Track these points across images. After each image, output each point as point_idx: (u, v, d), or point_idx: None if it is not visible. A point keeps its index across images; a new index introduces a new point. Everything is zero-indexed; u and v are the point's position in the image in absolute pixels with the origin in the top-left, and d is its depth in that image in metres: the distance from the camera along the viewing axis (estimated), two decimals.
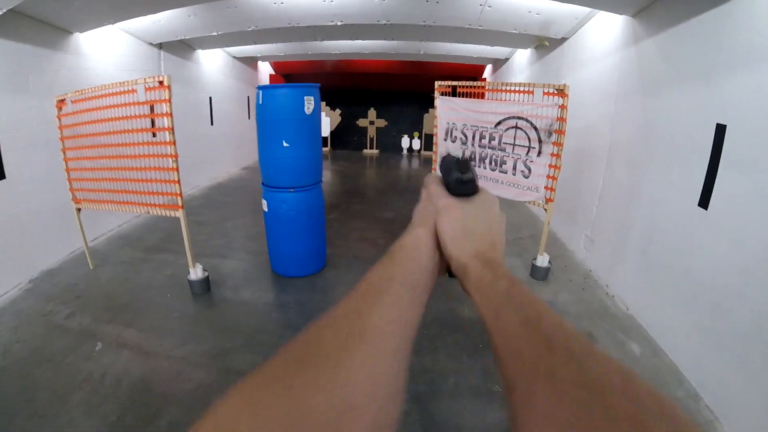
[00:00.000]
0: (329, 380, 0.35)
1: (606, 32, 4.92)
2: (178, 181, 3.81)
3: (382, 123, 13.84)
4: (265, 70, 12.42)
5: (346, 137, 14.29)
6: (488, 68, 11.30)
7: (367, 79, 12.79)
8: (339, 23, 6.11)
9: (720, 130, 2.98)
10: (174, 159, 3.73)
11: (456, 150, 4.97)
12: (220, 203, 7.53)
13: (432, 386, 2.98)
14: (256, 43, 8.53)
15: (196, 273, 4.07)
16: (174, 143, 3.69)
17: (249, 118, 11.18)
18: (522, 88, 4.42)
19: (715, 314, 2.93)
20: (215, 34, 6.63)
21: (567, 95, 4.04)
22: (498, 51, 8.83)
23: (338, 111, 13.65)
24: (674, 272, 3.45)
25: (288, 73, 13.00)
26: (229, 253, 5.16)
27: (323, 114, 13.47)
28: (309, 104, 4.07)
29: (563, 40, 6.20)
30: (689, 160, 3.30)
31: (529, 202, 4.62)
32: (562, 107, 4.07)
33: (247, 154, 11.18)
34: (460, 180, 0.62)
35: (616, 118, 4.63)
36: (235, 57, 10.17)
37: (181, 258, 4.53)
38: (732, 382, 2.71)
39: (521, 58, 8.45)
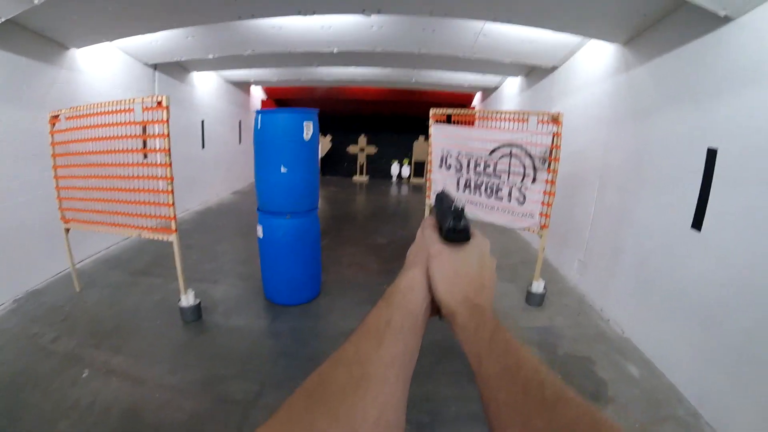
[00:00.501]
0: (337, 421, 0.39)
1: (597, 60, 5.03)
2: (173, 204, 3.74)
3: (372, 150, 13.89)
4: (257, 94, 12.48)
5: (336, 163, 14.31)
6: (477, 96, 11.44)
7: (358, 106, 12.86)
8: (335, 50, 6.17)
9: (711, 155, 3.06)
10: (169, 182, 3.67)
11: (450, 178, 4.99)
12: (210, 227, 7.45)
13: (434, 415, 2.93)
14: (250, 68, 8.59)
15: (187, 299, 3.95)
16: (170, 165, 3.63)
17: (240, 142, 11.18)
18: (516, 116, 4.47)
19: (709, 332, 2.99)
20: (211, 56, 6.65)
21: (561, 123, 4.09)
22: (489, 79, 8.97)
23: (329, 137, 13.69)
24: (668, 293, 3.50)
25: (280, 99, 13.06)
26: (219, 278, 5.06)
27: None
28: (308, 129, 4.04)
29: (554, 68, 6.31)
30: (681, 183, 3.37)
31: (523, 229, 4.59)
32: (557, 135, 4.11)
33: (238, 178, 11.14)
34: (454, 229, 0.63)
35: (608, 143, 4.70)
36: (228, 81, 10.20)
37: (170, 282, 4.44)
38: (729, 398, 2.75)
39: (511, 85, 8.58)
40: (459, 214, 0.64)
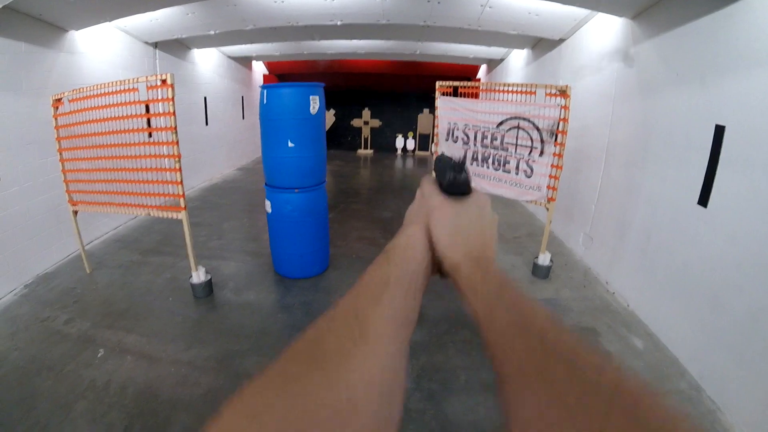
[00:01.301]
0: (332, 380, 0.36)
1: (605, 34, 4.95)
2: (181, 182, 3.74)
3: (376, 123, 13.80)
4: (259, 70, 12.36)
5: (340, 137, 14.24)
6: (483, 68, 11.29)
7: (361, 79, 12.75)
8: (339, 23, 6.09)
9: (719, 131, 3.05)
10: (177, 159, 3.67)
11: (458, 151, 4.97)
12: (216, 204, 7.46)
13: (445, 384, 2.99)
14: (252, 43, 8.50)
15: (198, 276, 4.00)
16: (177, 143, 3.63)
17: (243, 118, 11.12)
18: (524, 89, 4.44)
19: (713, 308, 3.03)
20: (213, 33, 6.57)
21: (569, 96, 4.05)
22: (494, 51, 8.85)
23: (332, 111, 13.60)
24: (673, 268, 3.53)
25: (282, 73, 12.94)
26: (228, 255, 5.11)
27: None
28: (314, 104, 4.02)
29: (561, 41, 6.22)
30: (688, 159, 3.38)
31: (530, 202, 4.60)
32: (564, 108, 4.09)
33: (242, 154, 11.13)
34: (454, 180, 0.62)
35: (614, 118, 4.68)
36: (229, 56, 10.09)
37: (180, 260, 4.49)
38: (731, 373, 2.79)
39: (517, 58, 8.47)
40: (459, 166, 0.63)
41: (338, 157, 12.95)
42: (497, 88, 4.86)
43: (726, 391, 2.82)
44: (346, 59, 11.14)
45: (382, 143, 14.13)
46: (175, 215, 3.87)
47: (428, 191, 0.65)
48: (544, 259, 4.56)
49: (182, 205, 3.81)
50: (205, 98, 8.90)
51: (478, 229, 0.60)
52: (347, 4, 5.57)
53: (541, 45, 6.97)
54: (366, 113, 13.78)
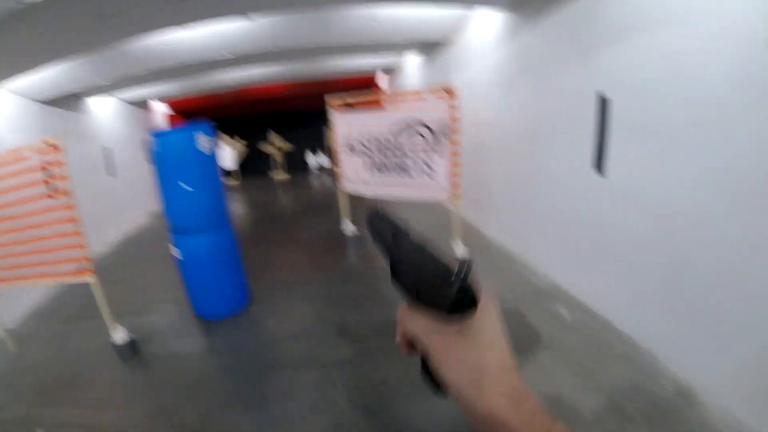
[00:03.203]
0: None
1: (488, 29, 5.18)
2: (83, 245, 3.60)
3: (287, 146, 13.80)
4: (161, 110, 12.05)
5: (255, 166, 14.15)
6: (383, 75, 11.52)
7: (266, 105, 12.69)
8: (229, 56, 6.10)
9: (603, 103, 3.26)
10: (75, 223, 3.53)
11: (360, 163, 5.08)
12: (133, 256, 7.20)
13: (385, 398, 2.99)
14: (148, 86, 8.32)
15: (121, 337, 3.87)
16: (73, 207, 3.49)
17: (149, 162, 10.76)
18: (413, 95, 4.63)
19: (629, 268, 3.23)
20: (105, 83, 6.49)
21: (455, 95, 4.27)
22: (390, 59, 9.12)
23: (242, 141, 13.47)
24: (582, 236, 3.77)
25: (186, 111, 12.66)
26: (150, 307, 4.91)
27: (228, 147, 13.26)
28: (203, 142, 3.97)
29: (449, 42, 6.51)
30: (580, 133, 3.58)
31: (437, 201, 4.82)
32: (452, 106, 4.29)
33: (153, 198, 10.77)
34: (462, 293, 0.48)
35: (506, 106, 4.94)
36: (128, 102, 9.82)
37: (105, 322, 4.33)
38: (662, 324, 2.97)
39: (413, 62, 8.75)
40: (464, 268, 0.48)
41: (255, 186, 12.87)
42: (388, 98, 5.02)
43: (660, 342, 3.01)
44: (248, 88, 11.06)
45: (297, 164, 14.15)
46: (83, 280, 3.70)
47: (416, 324, 0.51)
48: (460, 250, 4.74)
49: (89, 268, 3.67)
50: (107, 148, 8.59)
51: (498, 349, 0.49)
52: (233, 37, 5.56)
53: (433, 47, 7.24)
54: (274, 137, 13.75)
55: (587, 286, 3.83)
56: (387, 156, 4.93)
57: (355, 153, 5.33)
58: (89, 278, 3.68)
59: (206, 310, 4.39)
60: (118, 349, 3.87)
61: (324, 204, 9.58)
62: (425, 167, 4.65)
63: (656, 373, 2.92)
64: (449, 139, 4.42)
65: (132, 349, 3.90)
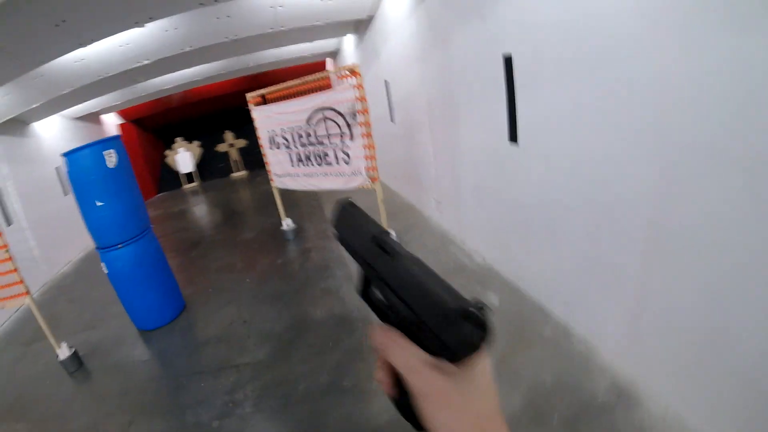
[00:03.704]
0: None
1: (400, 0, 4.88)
2: (15, 270, 3.62)
3: (242, 143, 13.54)
4: (112, 121, 11.81)
5: (212, 167, 13.90)
6: (329, 61, 11.28)
7: (217, 104, 12.42)
8: (146, 62, 5.92)
9: (508, 62, 2.96)
10: (4, 250, 3.57)
11: (282, 156, 4.88)
12: (87, 274, 7.04)
13: (286, 398, 2.97)
14: (85, 101, 8.10)
15: (63, 352, 3.89)
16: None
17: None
18: (318, 79, 4.43)
19: (554, 241, 2.92)
20: (35, 105, 6.39)
21: (359, 74, 4.04)
22: (328, 44, 8.87)
23: (196, 143, 13.22)
24: (506, 212, 3.50)
25: (137, 118, 12.41)
26: (96, 323, 4.89)
27: (184, 150, 13.03)
28: (110, 158, 3.97)
29: (370, 17, 6.25)
30: (490, 98, 3.28)
31: (359, 187, 4.55)
32: (358, 86, 4.07)
33: None
34: (474, 338, 0.37)
35: (425, 77, 4.68)
36: (74, 118, 9.59)
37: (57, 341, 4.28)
38: (589, 301, 2.68)
39: (349, 43, 8.47)
40: (476, 306, 0.37)
41: (213, 188, 12.70)
42: (295, 86, 4.77)
43: (590, 321, 2.72)
44: (196, 88, 10.80)
45: (255, 161, 13.85)
46: (22, 302, 3.73)
47: (406, 360, 0.41)
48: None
49: (24, 291, 3.66)
50: (57, 168, 8.33)
51: (492, 396, 0.42)
52: (144, 44, 5.42)
53: (362, 26, 6.96)
54: (228, 135, 13.51)
55: (517, 266, 3.58)
56: (306, 146, 4.73)
57: (278, 146, 5.13)
58: (26, 299, 3.72)
59: (141, 320, 4.44)
60: (62, 364, 3.92)
61: (270, 201, 9.45)
62: (341, 154, 4.44)
63: (589, 366, 2.57)
64: (359, 121, 4.19)
65: (75, 363, 3.95)
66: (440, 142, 4.67)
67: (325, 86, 4.61)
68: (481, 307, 0.37)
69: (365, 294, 0.46)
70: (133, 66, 5.97)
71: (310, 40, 7.84)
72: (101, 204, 3.96)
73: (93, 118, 10.58)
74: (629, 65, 1.96)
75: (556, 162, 2.72)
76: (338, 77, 4.20)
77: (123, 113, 12.03)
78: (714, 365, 1.87)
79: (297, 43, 7.86)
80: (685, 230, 1.87)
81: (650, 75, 1.86)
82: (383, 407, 2.65)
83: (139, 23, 4.43)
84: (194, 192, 12.91)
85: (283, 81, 4.57)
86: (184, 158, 13.25)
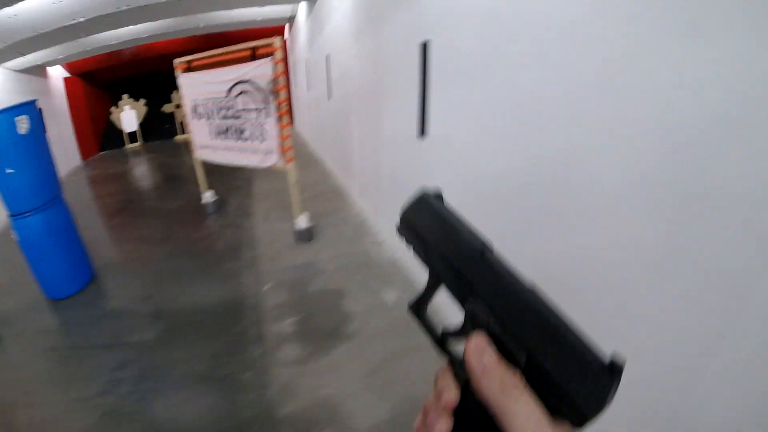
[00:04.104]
0: None
1: None
2: None
3: None
4: (58, 74, 11.26)
5: (157, 127, 13.40)
6: (286, 28, 10.95)
7: (167, 62, 11.84)
8: (82, 19, 5.88)
9: (424, 49, 2.76)
10: None
11: (203, 127, 4.66)
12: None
13: (159, 382, 2.90)
14: (23, 55, 7.85)
15: None
16: None
17: (45, 131, 10.07)
18: (237, 51, 4.19)
19: None
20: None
21: (277, 49, 3.84)
22: (282, 9, 8.66)
23: (143, 101, 12.71)
24: None
25: (84, 72, 11.83)
26: (14, 289, 4.63)
27: (129, 108, 12.54)
28: (21, 124, 3.78)
29: None
30: (408, 86, 3.08)
31: (271, 167, 4.36)
32: (277, 62, 3.87)
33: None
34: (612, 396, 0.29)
35: (358, 59, 4.49)
36: (16, 70, 9.10)
37: None
38: None
39: (302, 12, 8.18)
40: (620, 359, 0.30)
41: (153, 149, 12.30)
42: (215, 56, 4.53)
43: None
44: (149, 44, 10.36)
45: None
46: None
47: (520, 409, 0.31)
48: (301, 222, 4.41)
49: None
50: None
51: None
52: (80, 4, 5.54)
53: None
54: (177, 96, 12.90)
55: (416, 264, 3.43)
56: (225, 119, 4.51)
57: (200, 117, 4.89)
58: None
59: (49, 289, 4.30)
60: None
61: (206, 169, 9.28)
62: (257, 130, 4.24)
63: None
64: (278, 99, 3.99)
65: None
66: (366, 126, 4.51)
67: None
68: (624, 360, 0.30)
69: (418, 309, 0.41)
70: (69, 23, 5.91)
71: (260, 5, 7.55)
72: (11, 171, 3.80)
73: (39, 71, 10.10)
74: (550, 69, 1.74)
75: (463, 164, 2.57)
76: (257, 51, 3.98)
77: (70, 66, 11.45)
78: None
79: (247, 6, 7.59)
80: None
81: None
82: (249, 402, 2.59)
83: None
84: (135, 153, 12.46)
85: (237, 44, 4.29)
86: (129, 116, 12.73)
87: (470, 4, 2.25)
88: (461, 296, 0.37)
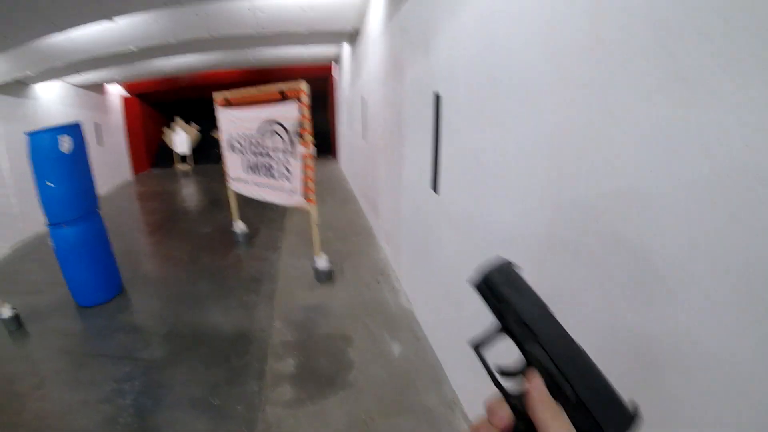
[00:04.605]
0: None
1: (376, 16, 4.70)
2: None
3: None
4: (116, 92, 11.94)
5: (207, 150, 13.84)
6: (335, 66, 11.26)
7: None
8: (133, 48, 6.13)
9: (437, 101, 2.69)
10: None
11: (237, 161, 4.83)
12: None
13: (158, 401, 3.02)
14: (77, 73, 8.27)
15: (6, 312, 4.13)
16: None
17: (101, 144, 10.62)
18: (267, 92, 4.38)
19: (455, 302, 2.62)
20: (29, 73, 6.66)
21: (304, 92, 3.97)
22: (325, 49, 8.92)
23: (195, 127, 13.25)
24: (425, 260, 3.26)
25: (141, 93, 12.51)
26: (46, 289, 5.01)
27: (182, 131, 13.05)
28: (64, 143, 4.13)
29: (357, 31, 6.19)
30: (424, 137, 2.99)
31: (296, 206, 4.50)
32: (303, 105, 4.00)
33: (103, 182, 10.56)
34: None
35: (382, 104, 4.57)
36: (76, 85, 9.71)
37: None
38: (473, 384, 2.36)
39: (346, 53, 8.41)
40: (636, 411, 0.41)
41: (201, 172, 12.73)
42: (247, 96, 4.73)
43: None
44: (202, 73, 10.91)
45: None
46: None
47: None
48: (319, 262, 4.46)
49: None
50: None
51: None
52: (129, 32, 5.74)
53: (354, 37, 6.86)
54: None
55: (429, 318, 3.38)
56: (256, 156, 4.68)
57: (234, 150, 5.09)
58: None
59: (78, 295, 4.60)
60: (5, 323, 4.15)
61: (243, 197, 9.50)
62: (284, 170, 4.37)
63: None
64: (301, 140, 4.11)
65: (16, 324, 4.19)
66: (389, 171, 4.53)
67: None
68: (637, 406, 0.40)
69: (480, 347, 0.49)
70: (120, 50, 6.21)
71: (304, 44, 7.80)
72: (51, 185, 4.14)
73: (97, 87, 10.73)
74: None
75: (468, 219, 2.39)
76: (286, 93, 4.13)
77: (128, 86, 12.16)
78: None
79: (289, 45, 7.86)
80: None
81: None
82: None
83: (107, 17, 4.80)
84: (184, 173, 12.93)
85: (287, 79, 4.42)
86: (180, 139, 13.28)
87: (469, 47, 2.19)
88: (522, 342, 0.46)
